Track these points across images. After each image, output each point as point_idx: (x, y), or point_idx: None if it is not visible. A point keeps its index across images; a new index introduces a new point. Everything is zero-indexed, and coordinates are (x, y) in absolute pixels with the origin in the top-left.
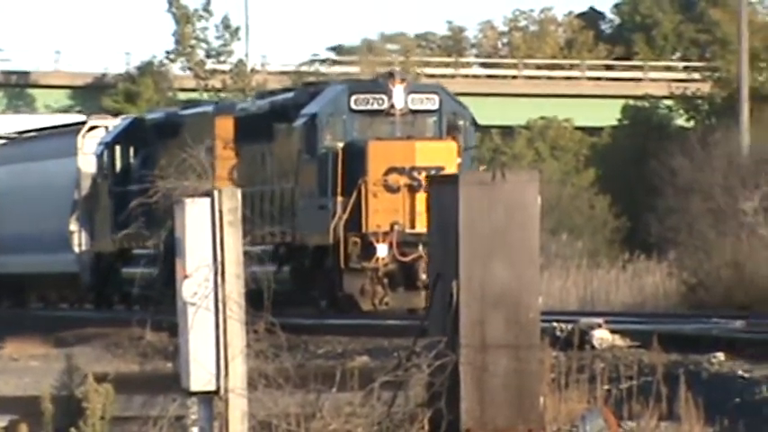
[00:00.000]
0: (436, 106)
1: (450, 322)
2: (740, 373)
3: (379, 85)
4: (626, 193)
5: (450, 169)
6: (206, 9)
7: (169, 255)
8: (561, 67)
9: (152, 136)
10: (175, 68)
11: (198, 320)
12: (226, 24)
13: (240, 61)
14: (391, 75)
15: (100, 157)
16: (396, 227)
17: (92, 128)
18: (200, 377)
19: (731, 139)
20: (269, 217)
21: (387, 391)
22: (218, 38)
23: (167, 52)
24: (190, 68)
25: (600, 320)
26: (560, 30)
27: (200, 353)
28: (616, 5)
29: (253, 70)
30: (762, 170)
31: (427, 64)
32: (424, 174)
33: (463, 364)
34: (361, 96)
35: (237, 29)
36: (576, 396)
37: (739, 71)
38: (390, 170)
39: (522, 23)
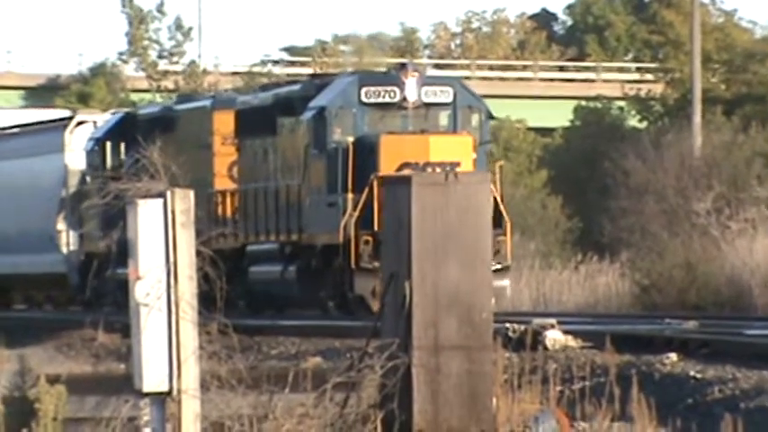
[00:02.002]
0: (450, 99)
1: (402, 323)
2: (692, 373)
3: (391, 77)
4: (578, 194)
5: (466, 165)
6: (159, 10)
7: (123, 256)
8: (514, 68)
9: (145, 131)
10: (128, 69)
11: (150, 322)
12: (178, 25)
13: (193, 62)
14: (403, 66)
15: (90, 153)
16: None
17: (79, 123)
18: (153, 378)
19: (684, 141)
20: (273, 215)
21: (339, 392)
22: (170, 39)
23: (120, 53)
24: (143, 69)
25: (553, 321)
26: (513, 31)
27: (152, 354)
28: (568, 6)
29: (205, 71)
30: (714, 171)
31: (380, 65)
32: (438, 169)
33: (416, 366)
34: (372, 89)
35: (190, 29)
36: (528, 397)
37: (692, 72)
38: (403, 165)
39: (475, 25)
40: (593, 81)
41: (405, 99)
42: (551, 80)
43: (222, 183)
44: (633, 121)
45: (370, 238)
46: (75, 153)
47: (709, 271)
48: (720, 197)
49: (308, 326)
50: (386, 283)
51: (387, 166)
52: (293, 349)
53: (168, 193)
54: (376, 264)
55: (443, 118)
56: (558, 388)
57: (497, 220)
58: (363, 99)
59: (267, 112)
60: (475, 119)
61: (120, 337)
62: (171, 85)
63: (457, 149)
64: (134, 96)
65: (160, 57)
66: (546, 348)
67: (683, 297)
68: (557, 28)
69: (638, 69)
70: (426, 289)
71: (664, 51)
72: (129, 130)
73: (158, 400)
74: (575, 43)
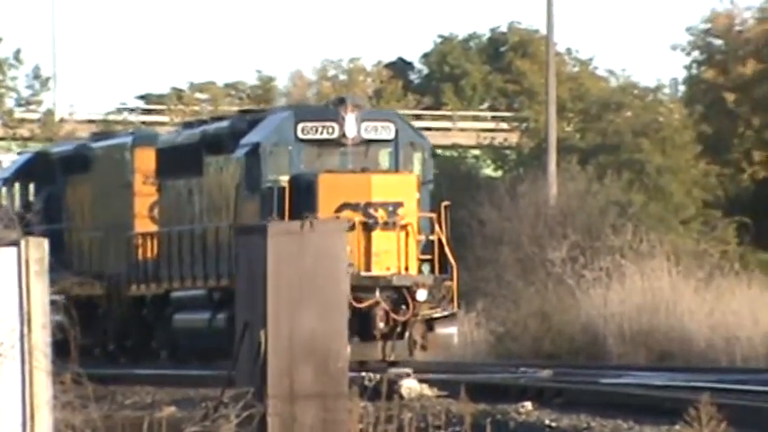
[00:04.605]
0: (392, 135)
1: (257, 372)
2: (548, 422)
3: (329, 112)
4: None
5: (409, 205)
6: (16, 58)
7: None
8: None
9: (58, 171)
10: None
11: (3, 371)
12: (36, 74)
13: (49, 110)
14: (342, 101)
15: None
16: (349, 269)
17: None
18: (6, 428)
19: (539, 190)
20: (200, 259)
21: None
22: (28, 87)
23: None
24: None
25: (408, 370)
26: (369, 79)
27: (5, 403)
28: (424, 55)
29: (62, 119)
30: (569, 220)
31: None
32: (380, 210)
33: (271, 415)
34: (309, 124)
35: (48, 78)
36: None
37: (547, 121)
38: (343, 206)
39: (332, 73)
40: (449, 130)
41: (344, 135)
42: None
43: (143, 224)
44: (488, 170)
45: None
46: None
47: (564, 319)
48: (575, 246)
49: (162, 375)
50: (240, 331)
51: (326, 207)
52: (148, 398)
53: (22, 242)
54: None
55: (384, 155)
56: None
57: (443, 265)
58: (300, 135)
59: (192, 150)
60: (417, 156)
61: None
62: (27, 134)
63: (400, 189)
64: None
65: (18, 105)
66: (402, 397)
67: (538, 345)
68: (413, 77)
69: (494, 118)
70: (281, 337)
71: (519, 100)
72: (40, 169)
73: None
74: (431, 92)
